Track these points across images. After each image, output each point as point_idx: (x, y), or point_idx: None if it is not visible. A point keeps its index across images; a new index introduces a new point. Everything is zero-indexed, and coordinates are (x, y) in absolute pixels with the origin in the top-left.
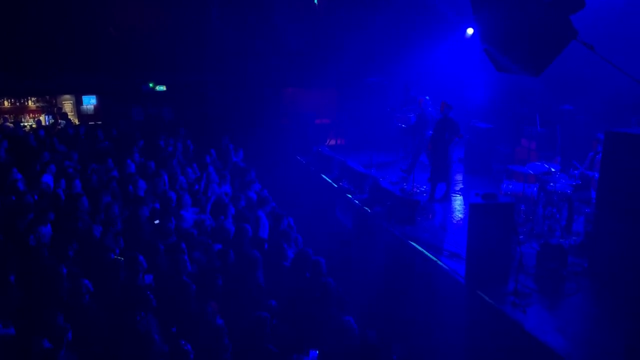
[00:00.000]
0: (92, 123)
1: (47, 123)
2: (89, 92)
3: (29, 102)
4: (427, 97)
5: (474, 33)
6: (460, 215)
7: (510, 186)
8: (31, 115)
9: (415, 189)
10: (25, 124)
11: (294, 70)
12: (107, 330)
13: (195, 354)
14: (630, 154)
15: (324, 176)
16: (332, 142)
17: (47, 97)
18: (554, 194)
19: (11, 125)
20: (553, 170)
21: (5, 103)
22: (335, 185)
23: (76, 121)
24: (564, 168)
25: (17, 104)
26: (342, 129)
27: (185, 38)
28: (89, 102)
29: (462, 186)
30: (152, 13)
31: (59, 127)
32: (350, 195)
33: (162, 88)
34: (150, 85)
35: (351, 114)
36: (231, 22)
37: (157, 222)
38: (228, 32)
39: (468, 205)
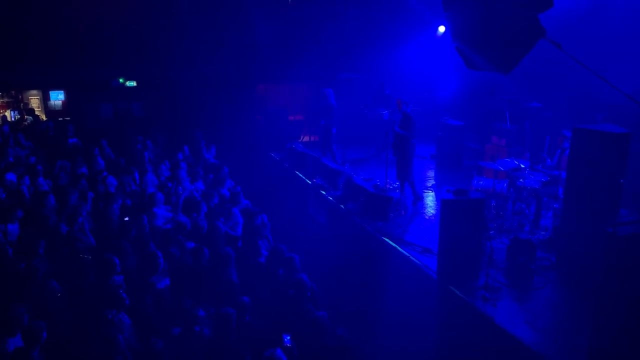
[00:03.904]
0: (61, 119)
1: (12, 119)
2: (56, 88)
3: None
4: (330, 89)
5: (445, 31)
6: (432, 211)
7: (481, 182)
8: None
9: (388, 185)
10: None
11: (266, 66)
12: (77, 329)
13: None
14: (596, 150)
15: (297, 173)
16: (306, 138)
17: (13, 92)
18: (523, 190)
19: None
20: (522, 166)
21: None
22: (309, 182)
23: (43, 117)
24: (533, 164)
25: None
26: (315, 125)
27: (155, 32)
28: (57, 98)
29: (433, 182)
30: (122, 7)
31: (26, 123)
32: (324, 192)
33: (133, 84)
34: (121, 80)
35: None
36: (202, 17)
37: (126, 219)
38: (199, 27)
39: (439, 201)
